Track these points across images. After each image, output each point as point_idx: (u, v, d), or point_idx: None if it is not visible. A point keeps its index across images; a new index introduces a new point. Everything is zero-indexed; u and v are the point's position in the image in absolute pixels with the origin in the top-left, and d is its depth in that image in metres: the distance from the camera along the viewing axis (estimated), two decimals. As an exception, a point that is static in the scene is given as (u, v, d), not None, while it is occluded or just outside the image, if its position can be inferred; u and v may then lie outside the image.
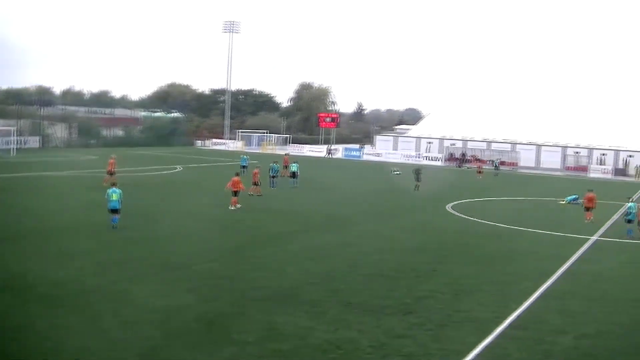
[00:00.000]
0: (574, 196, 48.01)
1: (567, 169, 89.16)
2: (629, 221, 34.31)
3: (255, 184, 43.49)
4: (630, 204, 35.09)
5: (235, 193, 37.52)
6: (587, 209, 38.64)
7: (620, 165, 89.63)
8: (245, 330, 16.01)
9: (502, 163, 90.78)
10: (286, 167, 56.56)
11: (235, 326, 16.33)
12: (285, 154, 67.97)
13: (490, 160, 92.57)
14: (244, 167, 57.73)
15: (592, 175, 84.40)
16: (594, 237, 32.94)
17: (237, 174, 39.93)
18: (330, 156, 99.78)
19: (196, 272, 21.89)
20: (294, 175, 51.47)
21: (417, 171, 53.85)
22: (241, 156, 62.60)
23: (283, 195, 44.99)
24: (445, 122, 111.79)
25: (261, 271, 22.36)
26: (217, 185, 50.51)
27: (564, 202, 47.76)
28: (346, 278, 21.93)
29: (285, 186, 49.02)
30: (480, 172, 72.57)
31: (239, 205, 37.22)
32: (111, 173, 45.06)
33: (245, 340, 15.36)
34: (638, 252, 29.77)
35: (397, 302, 19.21)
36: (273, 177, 48.73)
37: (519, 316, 18.32)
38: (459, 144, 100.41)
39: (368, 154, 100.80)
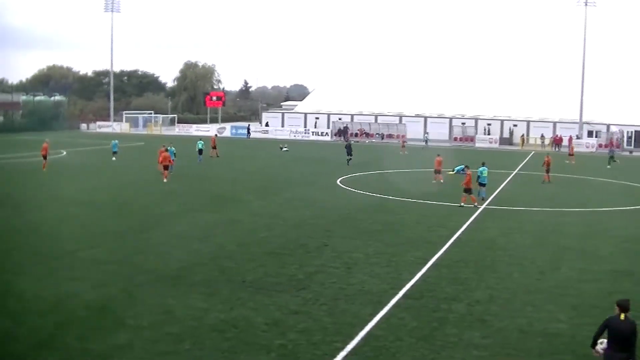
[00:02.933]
0: (461, 166, 49.59)
1: (455, 140, 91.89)
2: (482, 184, 36.98)
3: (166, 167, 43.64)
4: (480, 168, 37.40)
5: (166, 167, 42.06)
6: (436, 172, 44.22)
7: (506, 135, 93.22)
8: (138, 315, 15.61)
9: (390, 136, 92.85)
10: (214, 147, 60.45)
11: (127, 311, 15.89)
12: (215, 135, 69.96)
13: (377, 133, 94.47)
14: (115, 152, 56.35)
15: (479, 145, 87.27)
16: (483, 206, 34.17)
17: (166, 149, 44.92)
18: (248, 136, 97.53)
19: (80, 259, 21.16)
20: (200, 152, 55.70)
21: (349, 147, 57.43)
22: (112, 141, 59.11)
23: (179, 175, 44.24)
24: (332, 97, 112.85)
25: (148, 254, 21.89)
26: (103, 169, 49.37)
27: (452, 173, 49.27)
28: (236, 257, 21.77)
29: (181, 168, 47.97)
30: (403, 146, 73.74)
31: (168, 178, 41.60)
32: (45, 157, 46.21)
33: (139, 325, 14.98)
34: (522, 219, 31.17)
35: (289, 278, 19.23)
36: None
37: (412, 286, 18.72)
38: (347, 119, 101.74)
39: (255, 131, 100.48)
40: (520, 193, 40.55)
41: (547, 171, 45.95)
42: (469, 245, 24.74)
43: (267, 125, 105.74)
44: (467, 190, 33.89)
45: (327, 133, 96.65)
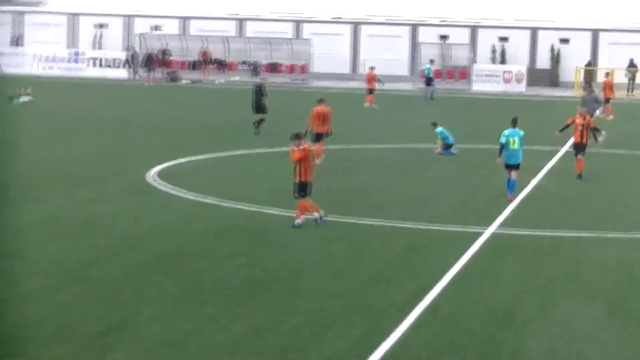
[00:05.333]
0: (447, 134, 50.89)
1: (423, 76, 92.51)
2: (511, 166, 39.78)
3: None
4: (508, 132, 39.50)
5: None
6: (319, 136, 48.91)
7: (543, 64, 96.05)
8: None
9: (275, 68, 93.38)
10: None
11: None
12: None
13: (244, 63, 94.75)
14: None
15: (479, 87, 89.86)
16: (492, 229, 34.62)
17: None
18: None
19: None
20: None
21: (259, 91, 60.14)
22: None
23: None
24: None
25: None
26: None
27: (438, 149, 50.70)
28: None
29: None
30: (371, 88, 77.54)
31: None
32: None
33: None
34: (573, 255, 31.79)
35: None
36: None
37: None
38: (171, 29, 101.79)
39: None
40: (570, 197, 42.13)
41: (580, 145, 45.71)
42: (463, 320, 24.65)
43: (17, 42, 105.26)
44: (302, 189, 34.33)
45: (123, 62, 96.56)
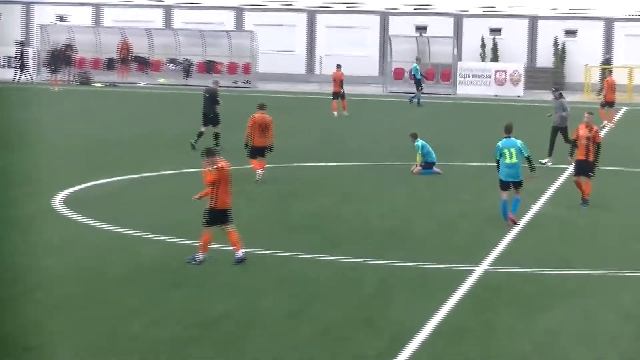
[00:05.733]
0: (429, 149, 51.21)
1: (398, 76, 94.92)
2: (509, 184, 39.76)
3: None
4: (502, 142, 39.95)
5: None
6: (257, 150, 49.87)
7: (545, 62, 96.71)
8: None
9: (211, 67, 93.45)
10: None
11: None
12: None
13: (172, 61, 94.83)
14: None
15: (465, 90, 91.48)
16: (482, 267, 34.80)
17: None
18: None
19: None
20: None
21: (211, 96, 60.10)
22: None
23: None
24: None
25: None
26: None
27: (417, 167, 50.97)
28: None
29: None
30: (338, 92, 77.75)
31: None
32: None
33: None
34: (571, 298, 31.77)
35: None
36: None
37: None
38: (82, 19, 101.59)
39: None
40: (578, 227, 42.34)
41: (584, 163, 45.10)
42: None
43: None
44: (218, 217, 33.88)
45: (12, 61, 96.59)
